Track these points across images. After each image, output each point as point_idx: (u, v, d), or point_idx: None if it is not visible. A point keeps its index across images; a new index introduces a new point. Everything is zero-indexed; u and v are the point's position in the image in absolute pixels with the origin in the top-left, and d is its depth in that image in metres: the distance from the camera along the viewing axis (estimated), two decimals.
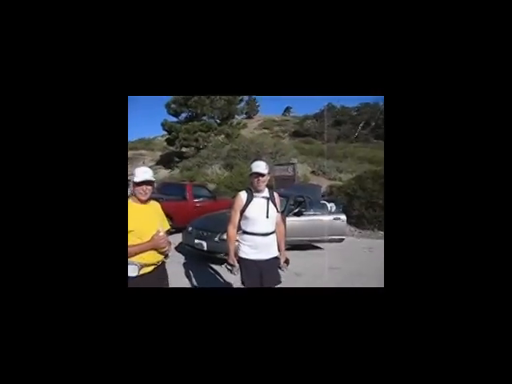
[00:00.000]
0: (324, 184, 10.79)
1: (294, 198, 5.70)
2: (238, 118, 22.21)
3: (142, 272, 1.80)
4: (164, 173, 19.49)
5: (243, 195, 2.25)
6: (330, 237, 5.30)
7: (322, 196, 7.88)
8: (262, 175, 2.17)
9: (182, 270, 4.50)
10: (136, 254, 1.79)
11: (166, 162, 21.11)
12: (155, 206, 2.03)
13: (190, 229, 5.08)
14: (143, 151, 27.39)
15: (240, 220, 2.28)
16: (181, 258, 5.11)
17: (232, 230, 2.29)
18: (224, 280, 4.14)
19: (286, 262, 2.40)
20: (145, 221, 1.86)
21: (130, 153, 26.96)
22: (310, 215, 5.37)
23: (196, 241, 4.74)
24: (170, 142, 19.93)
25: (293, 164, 11.46)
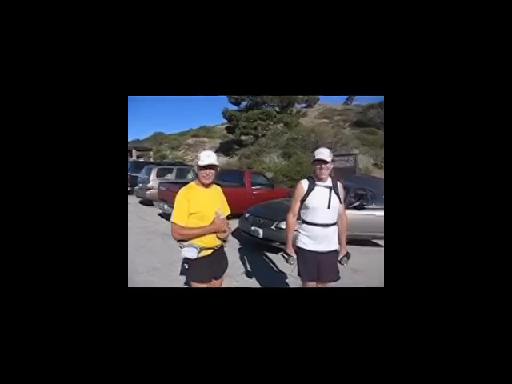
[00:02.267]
0: None
1: (355, 191, 5.42)
2: (298, 106, 21.83)
3: (200, 255, 1.83)
4: (223, 160, 20.08)
5: (304, 183, 2.16)
6: None
7: None
8: (325, 162, 2.06)
9: (237, 255, 4.58)
10: (197, 236, 1.82)
11: (225, 149, 21.72)
12: (217, 191, 2.05)
13: (247, 215, 5.14)
14: (204, 139, 28.45)
15: (300, 209, 2.20)
16: (236, 244, 5.21)
17: (291, 218, 2.22)
18: (278, 269, 4.12)
19: (347, 255, 2.28)
20: (207, 204, 1.88)
21: (191, 140, 28.40)
22: (371, 209, 5.07)
23: (252, 228, 4.78)
24: (229, 130, 20.42)
25: (354, 155, 10.97)
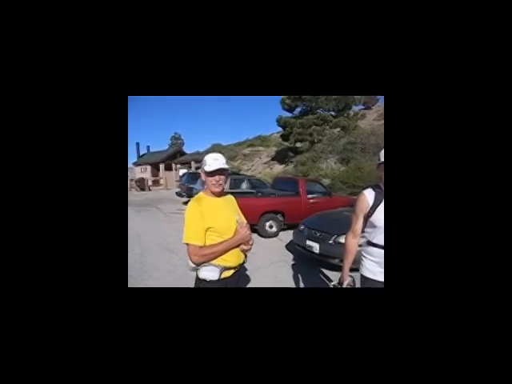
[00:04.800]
0: None
1: None
2: (355, 108, 20.75)
3: (222, 276, 1.57)
4: (279, 168, 19.86)
5: (369, 195, 1.68)
6: None
7: None
8: None
9: (291, 272, 4.15)
10: (221, 254, 1.54)
11: (280, 157, 21.47)
12: (232, 200, 1.76)
13: (301, 227, 4.66)
14: (260, 148, 28.60)
15: (364, 227, 1.72)
16: (290, 259, 4.78)
17: (351, 239, 1.75)
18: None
19: None
20: (224, 215, 1.59)
21: (247, 150, 28.73)
22: None
23: (308, 242, 4.28)
24: (284, 137, 20.11)
25: None
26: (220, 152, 1.73)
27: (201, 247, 1.52)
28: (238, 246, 1.60)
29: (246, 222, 1.68)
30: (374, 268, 1.66)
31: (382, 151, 1.65)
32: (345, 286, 1.80)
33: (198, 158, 25.51)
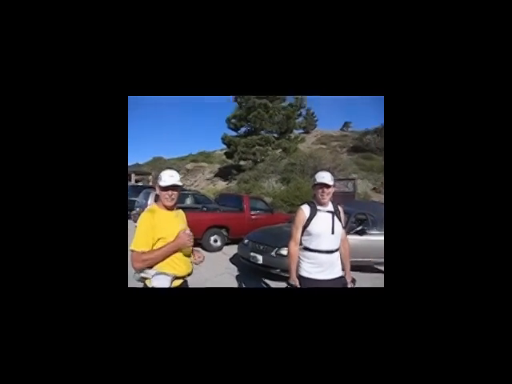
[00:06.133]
0: None
1: (356, 215, 5.33)
2: (295, 132, 22.16)
3: (172, 285, 1.64)
4: (222, 184, 20.10)
5: (305, 209, 2.08)
6: None
7: None
8: (328, 186, 2.00)
9: (235, 283, 4.41)
10: (162, 259, 1.62)
11: (224, 174, 21.79)
12: (182, 214, 1.89)
13: (246, 241, 5.00)
14: (203, 164, 28.59)
15: (302, 236, 2.10)
16: (234, 271, 5.05)
17: (294, 247, 2.10)
18: None
19: (353, 281, 2.17)
20: (174, 227, 1.71)
21: (190, 165, 28.49)
22: (373, 235, 4.95)
23: (252, 254, 4.63)
24: (228, 155, 20.57)
25: (353, 180, 10.99)
26: (173, 169, 1.82)
27: (142, 253, 1.57)
28: (179, 250, 1.67)
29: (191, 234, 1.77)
30: (311, 269, 2.03)
31: (318, 173, 2.07)
32: (293, 283, 2.06)
33: (139, 171, 24.66)
